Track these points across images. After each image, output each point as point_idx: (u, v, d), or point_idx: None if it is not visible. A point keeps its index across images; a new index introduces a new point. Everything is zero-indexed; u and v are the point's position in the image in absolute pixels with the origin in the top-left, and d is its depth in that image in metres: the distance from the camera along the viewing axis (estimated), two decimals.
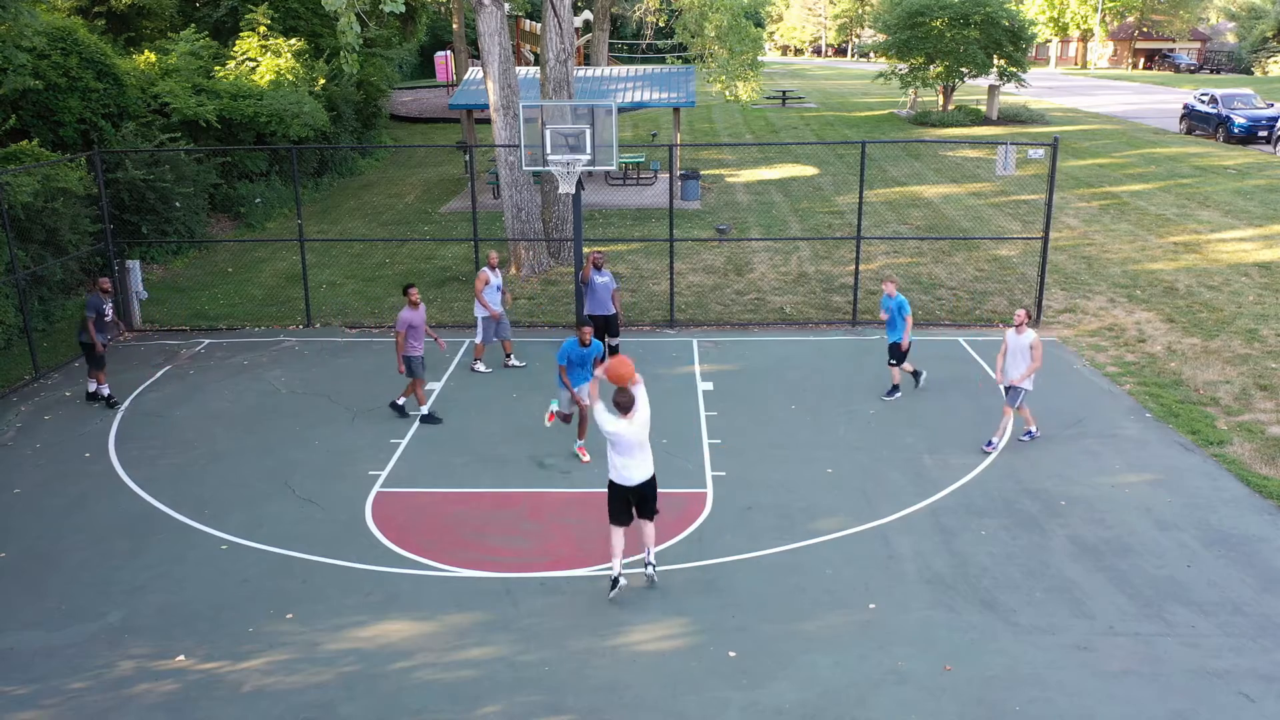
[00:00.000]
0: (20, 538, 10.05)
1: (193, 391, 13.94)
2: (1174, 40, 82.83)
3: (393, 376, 14.19)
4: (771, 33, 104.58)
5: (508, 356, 14.64)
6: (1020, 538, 9.78)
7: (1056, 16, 76.89)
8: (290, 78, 26.65)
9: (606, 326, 13.94)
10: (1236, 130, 34.28)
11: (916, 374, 13.53)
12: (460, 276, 19.17)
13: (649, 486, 8.74)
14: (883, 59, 43.99)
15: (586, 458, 11.52)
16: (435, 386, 13.85)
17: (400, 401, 12.91)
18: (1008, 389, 11.63)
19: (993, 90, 39.63)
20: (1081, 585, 8.96)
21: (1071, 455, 11.55)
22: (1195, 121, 36.77)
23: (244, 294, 18.73)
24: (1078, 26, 78.55)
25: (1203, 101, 36.77)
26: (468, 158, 21.51)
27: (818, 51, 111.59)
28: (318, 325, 16.88)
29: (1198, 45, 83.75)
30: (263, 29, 27.53)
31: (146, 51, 24.20)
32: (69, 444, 12.27)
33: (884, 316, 13.07)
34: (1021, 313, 11.52)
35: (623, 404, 8.50)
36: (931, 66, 39.04)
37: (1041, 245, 16.27)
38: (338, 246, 21.98)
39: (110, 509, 10.61)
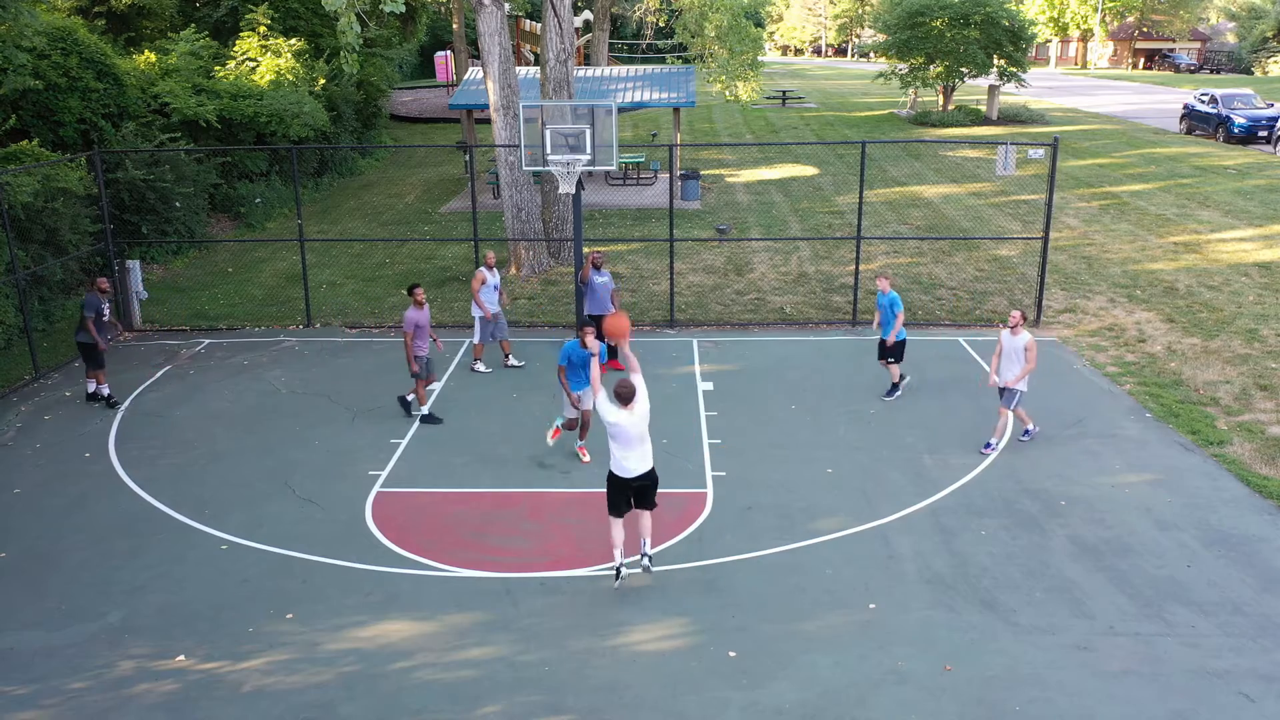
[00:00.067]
0: (20, 538, 10.05)
1: (193, 391, 13.94)
2: (1174, 40, 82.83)
3: (393, 376, 14.20)
4: (771, 33, 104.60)
5: (506, 357, 14.64)
6: (1020, 538, 9.78)
7: (1056, 16, 76.89)
8: (290, 78, 26.65)
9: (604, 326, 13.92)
10: (1236, 130, 34.28)
11: (897, 383, 13.39)
12: (460, 276, 19.17)
13: (649, 478, 8.80)
14: (883, 59, 43.98)
15: (587, 458, 11.52)
16: (435, 386, 13.84)
17: (409, 398, 12.91)
18: (1003, 391, 11.59)
19: (993, 90, 39.64)
20: (1081, 585, 8.96)
21: (1071, 455, 11.55)
22: (1195, 121, 36.77)
23: (244, 294, 18.73)
24: (1078, 26, 78.56)
25: (1203, 101, 36.77)
26: (468, 158, 21.51)
27: (818, 51, 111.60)
28: (318, 325, 16.88)
29: (1198, 45, 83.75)
30: (263, 29, 27.53)
31: (146, 51, 24.20)
32: (69, 444, 12.27)
33: (877, 316, 13.06)
34: (1016, 314, 11.46)
35: (624, 395, 8.55)
36: (931, 66, 39.03)
37: (1041, 245, 16.27)
38: (338, 246, 21.99)
39: (110, 509, 10.61)
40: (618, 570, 8.94)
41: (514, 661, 8.01)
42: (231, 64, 26.35)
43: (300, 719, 7.40)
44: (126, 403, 13.52)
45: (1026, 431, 11.91)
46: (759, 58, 30.30)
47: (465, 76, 30.86)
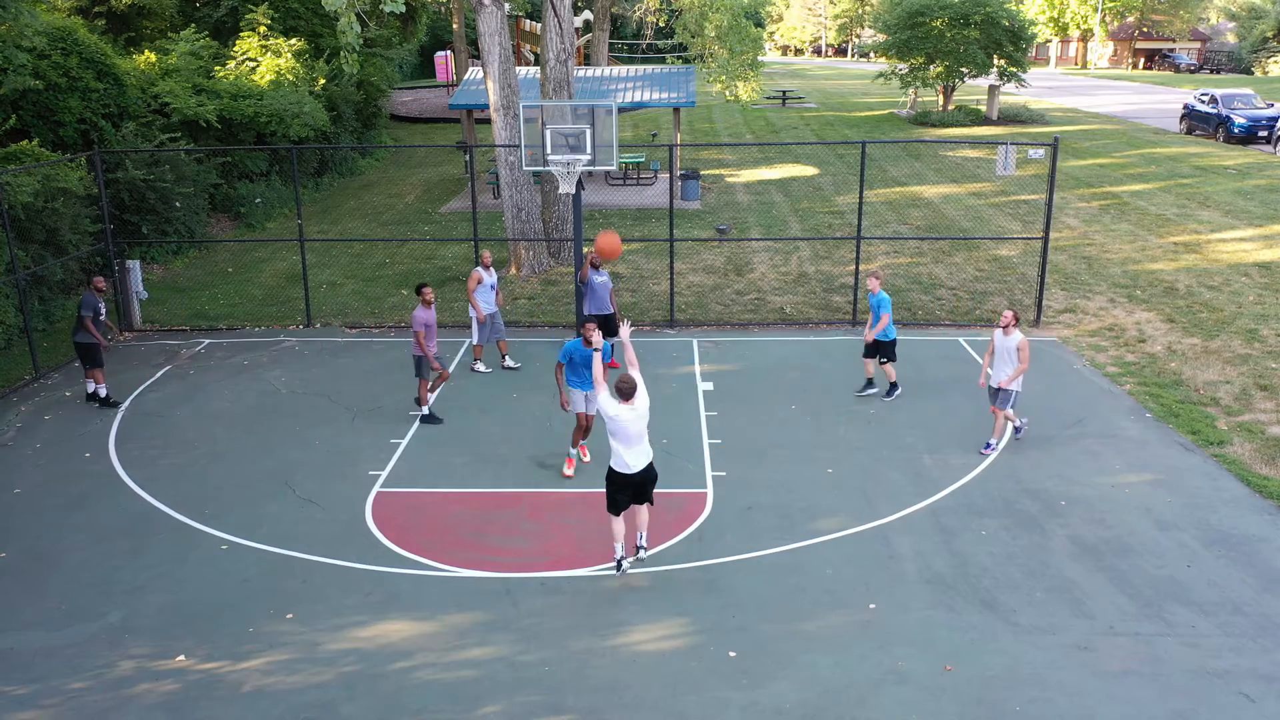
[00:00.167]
0: (20, 538, 10.05)
1: (193, 391, 13.94)
2: (1174, 40, 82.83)
3: (393, 376, 14.22)
4: (771, 33, 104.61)
5: (503, 358, 14.62)
6: (1020, 538, 9.77)
7: (1056, 16, 76.88)
8: (290, 78, 26.65)
9: (605, 325, 13.94)
10: (1236, 130, 34.28)
11: (870, 381, 13.40)
12: (460, 276, 19.16)
13: (649, 473, 8.87)
14: (883, 59, 43.98)
15: (587, 458, 11.51)
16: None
17: (426, 409, 12.89)
18: (997, 391, 11.57)
19: (993, 90, 39.63)
20: (1082, 585, 8.96)
21: (1071, 455, 11.55)
22: (1195, 121, 36.77)
23: (244, 294, 18.73)
24: (1078, 26, 78.55)
25: (1203, 101, 36.77)
26: (468, 158, 21.51)
27: (818, 51, 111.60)
28: (318, 325, 16.88)
29: (1198, 45, 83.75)
30: (263, 29, 27.53)
31: (147, 51, 24.20)
32: (69, 444, 12.27)
33: (871, 318, 13.04)
34: (1008, 314, 11.41)
35: (625, 390, 8.62)
36: (931, 66, 39.03)
37: (1041, 245, 16.27)
38: (338, 246, 21.99)
39: (110, 509, 10.61)
40: (619, 562, 9.05)
41: (514, 661, 8.01)
42: (231, 64, 26.35)
43: (300, 719, 7.41)
44: (126, 403, 13.52)
45: (1017, 429, 11.87)
46: (759, 58, 30.30)
47: (465, 76, 30.86)
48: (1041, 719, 7.32)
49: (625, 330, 9.13)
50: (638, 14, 60.59)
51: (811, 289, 18.41)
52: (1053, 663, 7.92)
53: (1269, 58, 70.30)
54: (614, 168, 15.33)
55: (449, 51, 43.25)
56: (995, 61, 38.90)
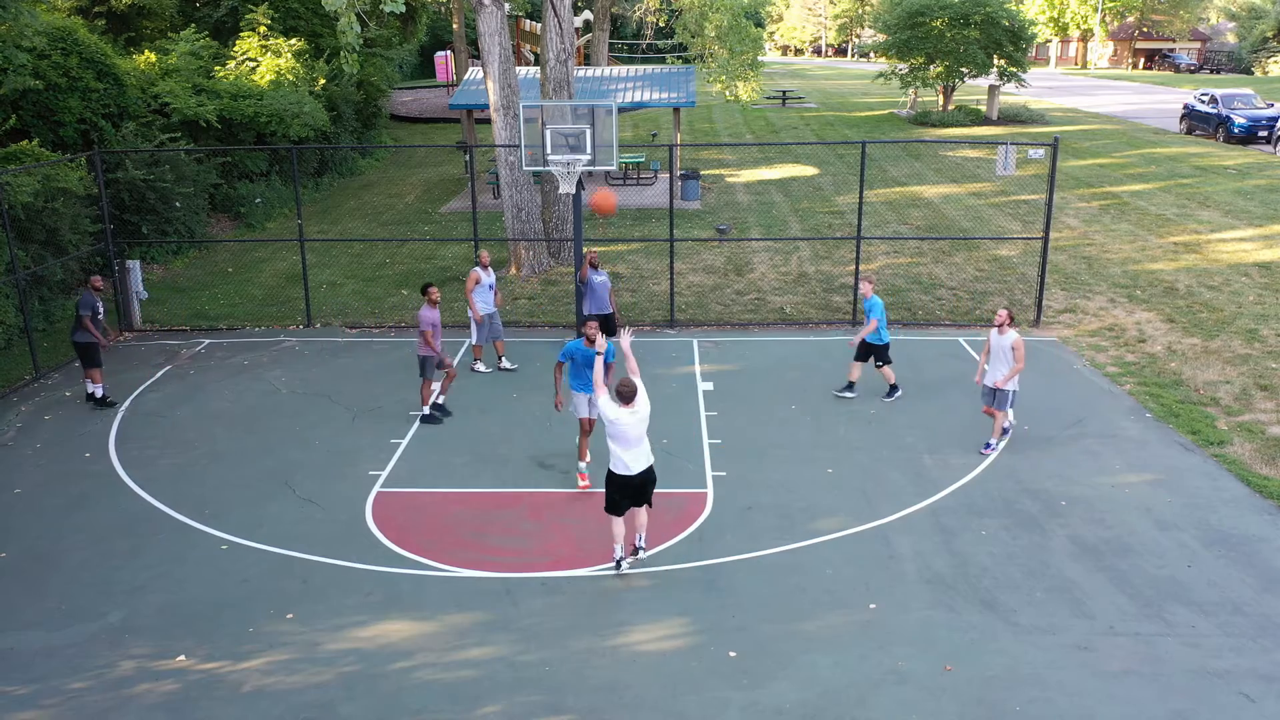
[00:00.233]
0: (20, 538, 10.05)
1: (193, 391, 13.94)
2: (1174, 40, 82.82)
3: (393, 376, 14.21)
4: (771, 33, 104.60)
5: (500, 359, 14.60)
6: (1020, 538, 9.77)
7: (1056, 16, 76.88)
8: (290, 78, 26.65)
9: (605, 325, 13.94)
10: (1236, 130, 34.27)
11: (852, 384, 13.37)
12: (460, 276, 19.15)
13: (649, 475, 8.91)
14: (883, 59, 43.98)
15: (587, 456, 11.48)
16: (436, 386, 13.83)
17: (440, 400, 12.89)
18: (994, 391, 11.55)
19: (993, 90, 39.63)
20: (1082, 585, 8.96)
21: (1071, 455, 11.55)
22: (1195, 121, 36.77)
23: (244, 294, 18.73)
24: (1078, 26, 78.55)
25: (1203, 101, 36.77)
26: (468, 158, 21.51)
27: (818, 51, 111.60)
28: (318, 325, 16.88)
29: (1198, 45, 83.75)
30: (263, 29, 27.54)
31: (146, 51, 24.20)
32: (69, 444, 12.27)
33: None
34: (1002, 313, 11.40)
35: (625, 393, 8.66)
36: (931, 66, 39.03)
37: (1041, 245, 16.27)
38: (338, 246, 21.99)
39: (110, 509, 10.61)
40: (618, 563, 9.09)
41: (514, 661, 8.01)
42: (231, 64, 26.35)
43: (300, 719, 7.41)
44: (126, 403, 13.52)
45: (1005, 430, 11.83)
46: (759, 58, 30.30)
47: (465, 76, 30.86)
48: (1041, 719, 7.32)
49: (626, 339, 9.10)
50: (638, 14, 60.61)
51: (811, 289, 18.41)
52: (1053, 663, 7.92)
53: (1269, 58, 70.29)
54: (614, 168, 15.33)
55: (449, 51, 43.25)
56: (995, 61, 38.90)
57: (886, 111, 43.78)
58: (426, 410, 12.72)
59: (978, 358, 14.69)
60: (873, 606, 8.67)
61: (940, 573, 9.17)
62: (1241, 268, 19.30)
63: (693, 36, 29.20)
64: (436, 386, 13.36)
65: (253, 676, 7.86)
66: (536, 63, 33.22)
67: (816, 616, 8.54)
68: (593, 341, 10.40)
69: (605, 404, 8.75)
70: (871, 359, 13.12)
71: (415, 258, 21.19)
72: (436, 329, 12.34)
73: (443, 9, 45.40)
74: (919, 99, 43.32)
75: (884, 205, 25.15)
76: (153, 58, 23.60)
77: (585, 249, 15.93)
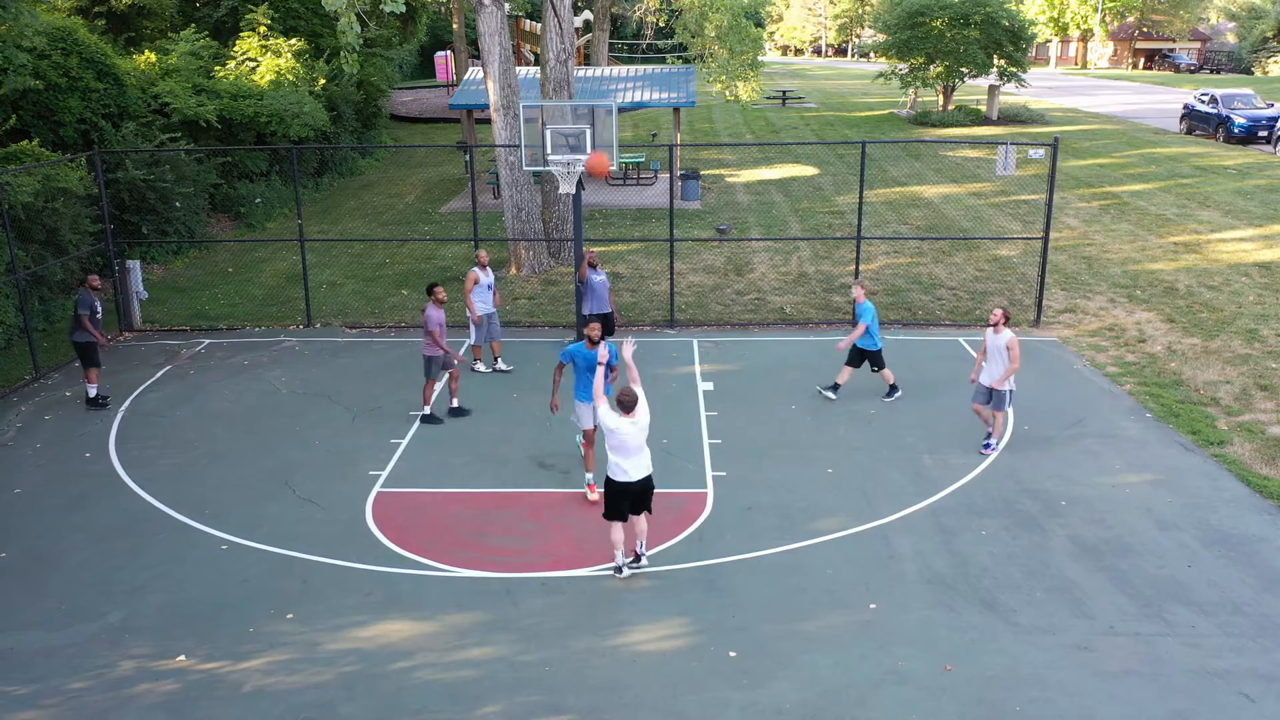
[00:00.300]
0: (20, 538, 10.05)
1: (193, 391, 13.94)
2: (1174, 40, 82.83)
3: (392, 376, 14.21)
4: (771, 33, 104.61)
5: (496, 359, 14.57)
6: (1020, 538, 9.77)
7: (1056, 16, 76.88)
8: (290, 78, 26.65)
9: (604, 325, 13.94)
10: (1236, 130, 34.27)
11: (837, 385, 13.33)
12: (460, 276, 19.14)
13: (648, 483, 8.93)
14: (883, 59, 43.98)
15: (594, 467, 11.47)
16: (436, 387, 13.83)
17: (455, 404, 12.88)
18: (990, 391, 11.53)
19: (993, 90, 39.63)
20: (1082, 585, 8.96)
21: (1071, 455, 11.55)
22: (1195, 121, 36.77)
23: (244, 294, 18.73)
24: (1078, 26, 78.55)
25: (1203, 101, 36.77)
26: (468, 158, 21.51)
27: (818, 51, 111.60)
28: (318, 325, 16.88)
29: (1198, 45, 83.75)
30: (263, 29, 27.53)
31: (147, 51, 24.20)
32: (69, 444, 12.27)
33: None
34: (997, 312, 11.36)
35: (626, 403, 8.68)
36: (931, 66, 39.04)
37: (1042, 245, 16.27)
38: (338, 246, 21.99)
39: (110, 509, 10.61)
40: (618, 569, 9.09)
41: (514, 661, 8.01)
42: (231, 64, 26.35)
43: (300, 719, 7.41)
44: (127, 403, 13.52)
45: (988, 443, 11.66)
46: (759, 58, 30.30)
47: (465, 76, 30.86)
48: (1041, 719, 7.32)
49: (628, 350, 9.10)
50: (638, 14, 60.60)
51: (811, 289, 18.41)
52: (1053, 663, 7.92)
53: (1269, 58, 70.29)
54: (614, 168, 15.32)
55: (449, 51, 43.25)
56: (995, 61, 38.90)
57: (886, 111, 43.78)
58: (427, 410, 12.72)
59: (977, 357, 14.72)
60: (873, 606, 8.67)
61: (940, 573, 9.17)
62: (1241, 268, 19.30)
63: (693, 36, 29.20)
64: (439, 387, 13.38)
65: (253, 676, 7.86)
66: (536, 63, 33.23)
67: (816, 616, 8.54)
68: (594, 343, 10.43)
69: (605, 413, 8.77)
70: (866, 364, 13.10)
71: (415, 258, 21.19)
72: (442, 328, 12.34)
73: (443, 9, 45.40)
74: (919, 99, 43.32)
75: (884, 205, 25.15)
76: (153, 58, 23.61)
77: (586, 249, 15.94)
